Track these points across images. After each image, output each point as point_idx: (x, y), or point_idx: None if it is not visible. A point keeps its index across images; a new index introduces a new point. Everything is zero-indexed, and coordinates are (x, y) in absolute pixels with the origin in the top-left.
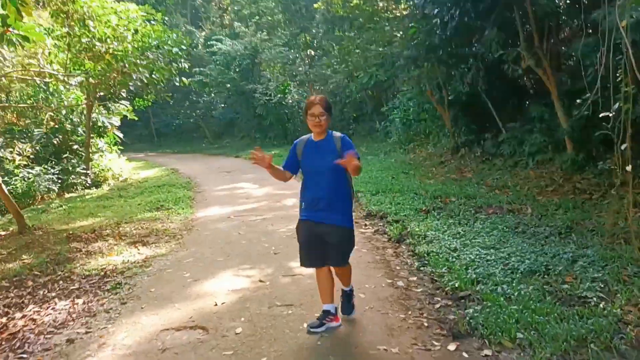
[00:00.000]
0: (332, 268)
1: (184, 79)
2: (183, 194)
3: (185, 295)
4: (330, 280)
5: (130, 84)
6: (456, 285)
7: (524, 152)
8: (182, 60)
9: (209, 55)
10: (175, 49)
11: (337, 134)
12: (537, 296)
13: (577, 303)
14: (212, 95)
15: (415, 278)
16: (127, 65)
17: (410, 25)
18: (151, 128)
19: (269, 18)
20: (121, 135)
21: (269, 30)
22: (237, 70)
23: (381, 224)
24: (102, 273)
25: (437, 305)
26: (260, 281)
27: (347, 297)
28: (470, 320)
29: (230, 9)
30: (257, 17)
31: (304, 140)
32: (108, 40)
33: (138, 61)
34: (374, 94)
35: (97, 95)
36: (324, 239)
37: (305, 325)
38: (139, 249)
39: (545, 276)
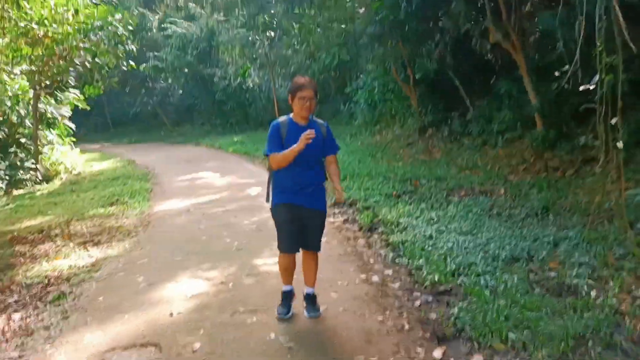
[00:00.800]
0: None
1: (133, 63)
2: (140, 187)
3: (137, 304)
4: (295, 264)
5: (72, 69)
6: (436, 279)
7: (493, 130)
8: (130, 42)
9: (163, 38)
10: (120, 30)
11: (320, 120)
12: (524, 288)
13: (567, 293)
14: (169, 80)
15: (390, 271)
16: (68, 49)
17: None
18: (106, 117)
19: None
20: (73, 126)
21: (226, 11)
22: (194, 54)
23: (351, 211)
24: (46, 281)
25: (417, 303)
26: (222, 283)
27: (312, 300)
28: (456, 320)
29: None
30: None
31: (284, 122)
32: (46, 22)
33: (80, 44)
34: (337, 75)
35: (43, 84)
36: (304, 224)
37: (272, 335)
38: (88, 251)
39: (529, 263)
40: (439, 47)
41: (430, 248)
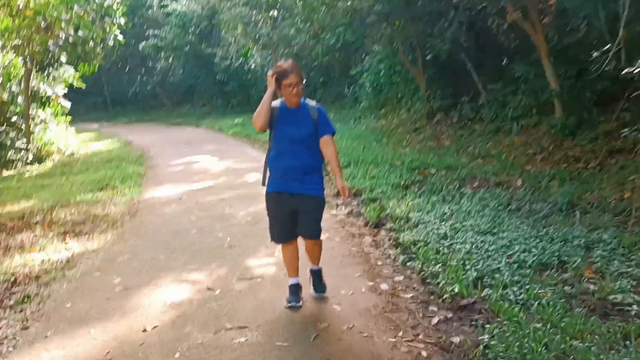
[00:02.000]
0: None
1: (121, 38)
2: (133, 170)
3: (107, 314)
4: (298, 253)
5: (51, 42)
6: (456, 290)
7: (507, 116)
8: (118, 15)
9: (164, 16)
10: (108, 1)
11: (311, 102)
12: (561, 305)
13: (612, 312)
14: (170, 60)
15: (401, 277)
16: (48, 20)
17: None
18: (105, 96)
19: None
20: (68, 105)
21: None
22: (195, 32)
23: (355, 203)
24: (12, 279)
25: (435, 320)
26: (209, 289)
27: (318, 276)
28: (486, 350)
29: None
30: None
31: (276, 105)
32: None
33: (62, 15)
34: (341, 57)
35: (35, 61)
36: (297, 211)
37: None
38: (66, 243)
39: (561, 271)
40: (452, 26)
41: (445, 250)
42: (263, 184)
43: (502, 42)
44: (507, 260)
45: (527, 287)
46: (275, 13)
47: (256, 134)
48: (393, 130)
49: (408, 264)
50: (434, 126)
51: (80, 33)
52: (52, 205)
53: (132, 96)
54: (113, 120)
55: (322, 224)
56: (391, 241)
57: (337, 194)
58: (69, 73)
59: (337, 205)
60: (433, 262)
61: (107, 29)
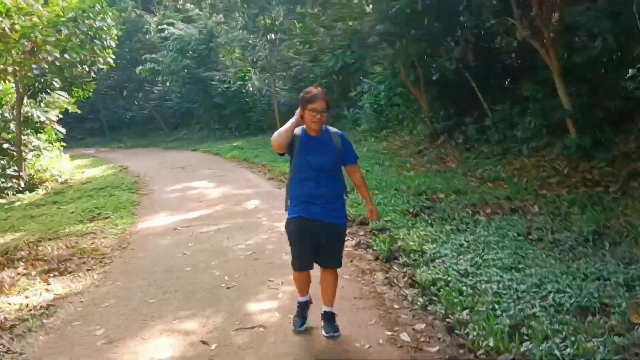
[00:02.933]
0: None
1: (111, 60)
2: (126, 198)
3: None
4: (310, 278)
5: (35, 66)
6: (490, 344)
7: (516, 137)
8: (108, 37)
9: (161, 41)
10: (98, 23)
11: (333, 129)
12: None
13: None
14: (167, 84)
15: (423, 325)
16: (33, 43)
17: None
18: (102, 121)
19: None
20: (63, 131)
21: (225, 12)
22: (192, 56)
23: (362, 233)
24: None
25: None
26: (203, 342)
27: (331, 319)
28: None
29: None
30: None
31: (297, 133)
32: (12, 13)
33: (48, 38)
34: (340, 79)
35: (25, 86)
36: (319, 239)
37: None
38: (49, 283)
39: (604, 316)
40: (460, 45)
41: (469, 290)
42: (286, 209)
43: (507, 61)
44: (541, 303)
45: (572, 338)
46: (273, 36)
47: (255, 157)
48: (395, 152)
49: (429, 307)
50: (438, 148)
51: (67, 56)
52: (40, 238)
53: (129, 121)
54: (110, 145)
55: None
56: (406, 279)
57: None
58: (63, 99)
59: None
60: (458, 307)
61: (97, 52)
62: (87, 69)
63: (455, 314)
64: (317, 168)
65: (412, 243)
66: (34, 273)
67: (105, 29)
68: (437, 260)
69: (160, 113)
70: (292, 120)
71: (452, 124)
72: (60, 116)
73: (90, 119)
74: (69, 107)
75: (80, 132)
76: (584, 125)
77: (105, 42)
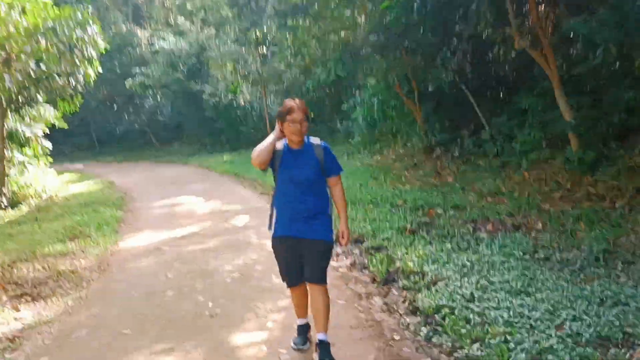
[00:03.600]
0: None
1: (90, 71)
2: (110, 215)
3: None
4: (307, 294)
5: (7, 77)
6: None
7: (514, 150)
8: (90, 47)
9: (151, 54)
10: (79, 33)
11: (316, 140)
12: None
13: None
14: (158, 98)
15: None
16: (10, 51)
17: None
18: (92, 136)
19: (216, 13)
20: (50, 146)
21: (217, 26)
22: (183, 70)
23: (357, 251)
24: None
25: None
26: None
27: (326, 349)
28: None
29: (172, 2)
30: (203, 13)
31: (279, 147)
32: None
33: (24, 48)
34: (332, 92)
35: (7, 100)
36: (303, 255)
37: None
38: (18, 310)
39: (628, 347)
40: (456, 56)
41: (477, 318)
42: (269, 228)
43: (503, 73)
44: (557, 333)
45: None
46: (265, 49)
47: (246, 171)
48: (390, 166)
49: (434, 339)
50: (434, 161)
51: (43, 67)
52: (16, 259)
53: (120, 135)
54: (99, 159)
55: None
56: (407, 304)
57: (337, 239)
58: (49, 113)
59: (338, 255)
60: (466, 338)
61: (77, 63)
62: (67, 81)
63: (465, 347)
64: (299, 182)
65: (411, 264)
66: (4, 298)
67: (86, 39)
68: (439, 284)
69: (151, 127)
70: (271, 135)
71: (447, 137)
72: (47, 131)
73: (80, 134)
74: (56, 122)
75: (69, 146)
76: (587, 138)
77: (86, 53)
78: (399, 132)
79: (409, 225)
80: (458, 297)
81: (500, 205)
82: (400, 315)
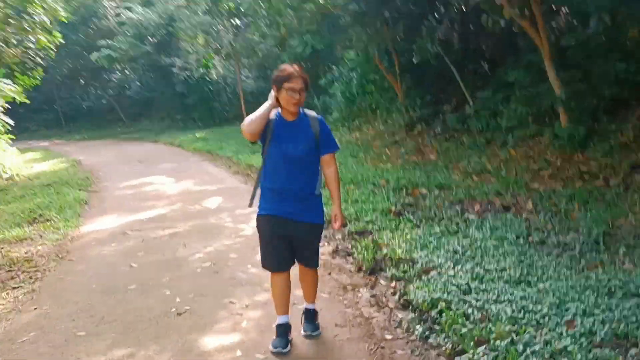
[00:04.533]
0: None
1: (43, 39)
2: (74, 196)
3: None
4: (289, 286)
5: None
6: None
7: (500, 126)
8: (40, 12)
9: (118, 25)
10: None
11: (312, 113)
12: None
13: None
14: (126, 72)
15: None
16: None
17: None
18: (58, 112)
19: None
20: (10, 122)
21: None
22: (152, 42)
23: (339, 236)
24: None
25: None
26: None
27: (312, 316)
28: None
29: None
30: None
31: (271, 117)
32: None
33: None
34: (309, 66)
35: None
36: (292, 238)
37: None
38: None
39: None
40: (443, 25)
41: (477, 314)
42: (250, 205)
43: (488, 45)
44: (568, 331)
45: None
46: (238, 21)
47: (219, 149)
48: (369, 143)
49: (430, 339)
50: (415, 138)
51: None
52: None
53: (87, 111)
54: (66, 137)
55: None
56: (397, 297)
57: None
58: (9, 87)
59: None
60: (468, 339)
61: (27, 29)
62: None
63: (467, 350)
64: (291, 158)
65: (399, 250)
66: None
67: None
68: (431, 273)
69: (119, 103)
70: (266, 104)
71: (429, 113)
72: (7, 106)
73: (45, 110)
74: (16, 96)
75: (34, 123)
76: (577, 113)
77: (36, 18)
78: (379, 108)
79: (393, 207)
80: (453, 288)
81: (487, 185)
82: (391, 310)
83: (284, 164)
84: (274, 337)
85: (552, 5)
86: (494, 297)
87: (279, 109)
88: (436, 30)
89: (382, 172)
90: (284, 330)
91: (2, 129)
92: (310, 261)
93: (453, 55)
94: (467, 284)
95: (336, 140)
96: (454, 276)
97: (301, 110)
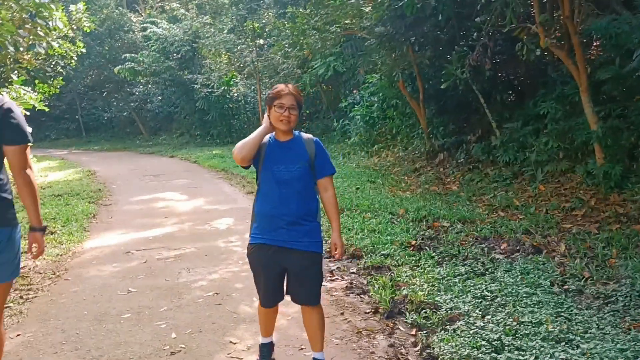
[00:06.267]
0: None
1: (53, 43)
2: (82, 209)
3: None
4: (276, 314)
5: None
6: None
7: (528, 160)
8: (56, 18)
9: (143, 40)
10: None
11: (306, 135)
12: None
13: None
14: (148, 85)
15: None
16: None
17: None
18: (79, 122)
19: (212, 0)
20: (28, 129)
21: (213, 14)
22: (176, 57)
23: (354, 270)
24: None
25: None
26: None
27: None
28: None
29: None
30: None
31: (264, 140)
32: None
33: None
34: (330, 88)
35: None
36: (288, 269)
37: None
38: None
39: None
40: (475, 51)
41: None
42: (251, 233)
43: (518, 74)
44: None
45: None
46: (262, 41)
47: (235, 167)
48: (388, 169)
49: None
50: (437, 167)
51: None
52: None
53: (107, 122)
54: (85, 147)
55: None
56: (418, 349)
57: (329, 256)
58: (30, 95)
59: (332, 273)
60: None
61: (40, 34)
62: (29, 54)
63: None
64: (283, 180)
65: (420, 292)
66: None
67: (49, 4)
68: (457, 322)
69: (140, 116)
70: (260, 128)
71: (452, 142)
72: (27, 113)
73: (67, 119)
74: (36, 104)
75: (55, 131)
76: (614, 151)
77: (50, 23)
78: (400, 134)
79: (413, 240)
80: (484, 343)
81: (514, 222)
82: None
83: (276, 186)
84: (257, 358)
85: (592, 36)
86: (532, 359)
87: (274, 133)
88: (467, 56)
89: (400, 201)
90: (268, 350)
91: None
92: (310, 298)
93: (481, 83)
94: (500, 339)
95: (354, 164)
96: (483, 328)
97: (297, 132)
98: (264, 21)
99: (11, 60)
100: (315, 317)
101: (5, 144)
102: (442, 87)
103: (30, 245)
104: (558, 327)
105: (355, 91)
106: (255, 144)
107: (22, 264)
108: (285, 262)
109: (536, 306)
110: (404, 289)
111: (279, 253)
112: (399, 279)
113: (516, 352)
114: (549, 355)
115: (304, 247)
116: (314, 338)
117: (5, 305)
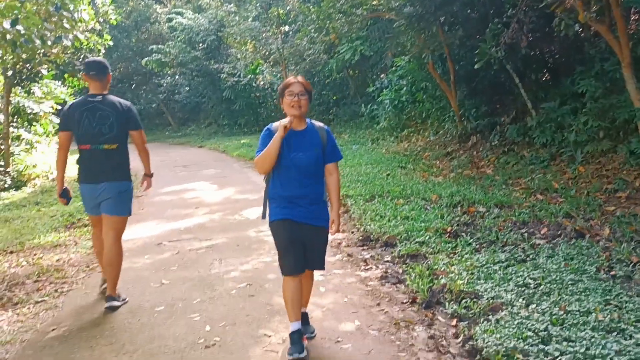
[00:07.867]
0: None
1: (80, 35)
2: None
3: None
4: (302, 290)
5: None
6: None
7: (566, 140)
8: (82, 8)
9: (169, 31)
10: None
11: (319, 124)
12: None
13: None
14: (175, 76)
15: None
16: None
17: None
18: None
19: None
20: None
21: (237, 2)
22: (202, 48)
23: (388, 258)
24: None
25: None
26: None
27: (307, 319)
28: None
29: None
30: None
31: (278, 126)
32: None
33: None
34: (357, 73)
35: (13, 74)
36: (305, 242)
37: None
38: None
39: None
40: (511, 28)
41: None
42: (263, 217)
43: (554, 52)
44: None
45: None
46: (287, 28)
47: None
48: (419, 154)
49: None
50: (470, 150)
51: (20, 28)
52: (1, 249)
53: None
54: None
55: (349, 295)
56: (460, 341)
57: (364, 240)
58: (60, 89)
59: (367, 262)
60: None
61: (66, 27)
62: (54, 49)
63: None
64: (302, 166)
65: (459, 280)
66: None
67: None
68: (500, 312)
69: (168, 107)
70: (276, 136)
71: (485, 124)
72: (58, 107)
73: None
74: (67, 98)
75: None
76: None
77: (76, 15)
78: (430, 118)
79: (448, 227)
80: (529, 334)
81: (554, 205)
82: (454, 357)
83: (296, 171)
84: (290, 346)
85: (630, 10)
86: (583, 350)
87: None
88: (501, 34)
89: (433, 186)
90: (299, 337)
91: (52, 130)
92: (321, 263)
93: (515, 62)
94: (547, 329)
95: (383, 149)
96: (528, 318)
97: (309, 121)
98: (288, 7)
99: (40, 54)
100: (309, 279)
101: (131, 130)
102: (475, 67)
103: (142, 183)
104: (608, 316)
105: (383, 75)
106: (274, 156)
107: (57, 257)
108: (305, 235)
109: (583, 294)
110: (441, 277)
111: (300, 227)
112: (436, 267)
113: (565, 343)
114: (600, 347)
115: (318, 223)
116: (307, 297)
117: (41, 299)
